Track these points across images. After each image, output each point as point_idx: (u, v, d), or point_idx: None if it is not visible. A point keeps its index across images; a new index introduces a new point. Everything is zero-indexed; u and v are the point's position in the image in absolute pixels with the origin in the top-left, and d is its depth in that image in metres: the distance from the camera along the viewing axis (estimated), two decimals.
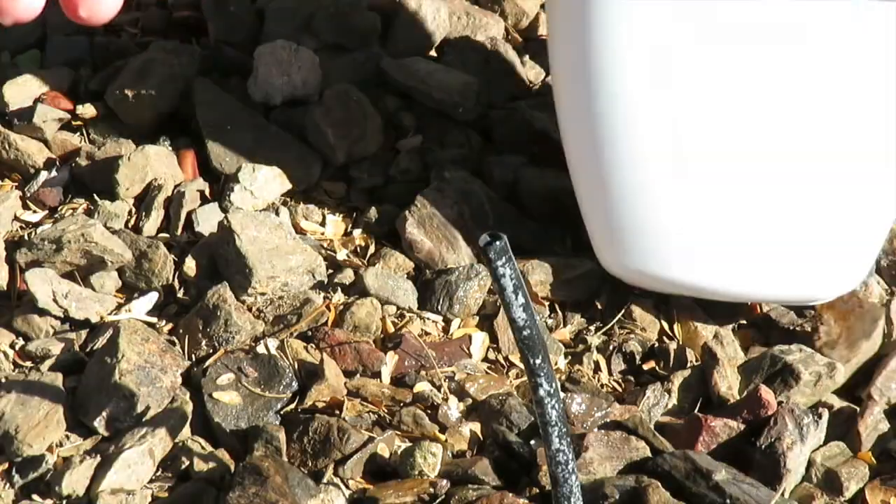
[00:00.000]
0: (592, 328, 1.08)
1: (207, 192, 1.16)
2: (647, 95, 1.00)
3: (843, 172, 1.02)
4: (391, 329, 1.04)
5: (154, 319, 1.05)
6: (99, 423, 0.94)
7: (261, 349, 1.00)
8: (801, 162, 1.01)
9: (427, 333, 1.04)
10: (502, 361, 1.04)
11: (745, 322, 1.09)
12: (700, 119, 1.01)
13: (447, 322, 1.06)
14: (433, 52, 1.34)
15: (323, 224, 1.15)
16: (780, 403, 0.97)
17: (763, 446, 0.94)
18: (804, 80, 0.99)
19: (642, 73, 0.99)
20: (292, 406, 0.96)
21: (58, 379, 0.97)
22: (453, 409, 0.97)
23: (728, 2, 0.98)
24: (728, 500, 0.88)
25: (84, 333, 1.03)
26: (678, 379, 1.02)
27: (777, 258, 1.03)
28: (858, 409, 1.01)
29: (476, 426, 0.96)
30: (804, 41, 0.98)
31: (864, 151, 1.02)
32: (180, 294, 1.07)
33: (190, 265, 1.07)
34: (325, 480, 0.91)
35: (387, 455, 0.93)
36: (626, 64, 0.99)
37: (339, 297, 1.06)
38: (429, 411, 0.97)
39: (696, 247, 1.02)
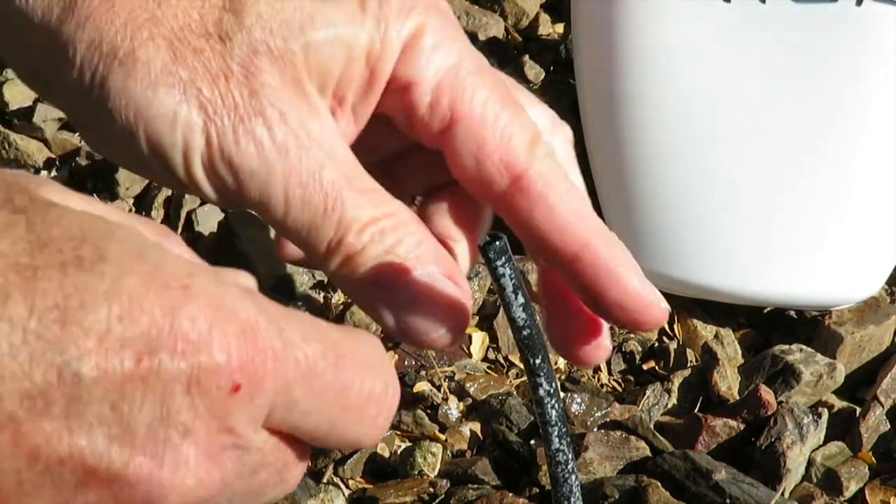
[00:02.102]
0: None
1: None
2: (674, 98, 1.01)
3: (867, 173, 1.03)
4: None
5: None
6: None
7: None
8: (827, 163, 1.02)
9: None
10: (502, 361, 1.04)
11: (745, 322, 1.09)
12: (727, 122, 1.02)
13: None
14: None
15: None
16: (780, 403, 0.97)
17: (763, 446, 0.94)
18: (834, 82, 1.01)
19: (669, 78, 1.01)
20: None
21: None
22: (453, 408, 0.97)
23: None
24: (728, 500, 0.88)
25: None
26: (678, 379, 1.02)
27: (800, 262, 1.03)
28: (859, 409, 1.01)
29: (476, 426, 0.96)
30: (828, 47, 1.00)
31: (887, 153, 1.03)
32: None
33: None
34: (324, 480, 0.91)
35: (387, 455, 0.93)
36: (652, 67, 1.01)
37: (339, 297, 1.05)
38: (429, 411, 0.97)
39: (720, 251, 1.03)
